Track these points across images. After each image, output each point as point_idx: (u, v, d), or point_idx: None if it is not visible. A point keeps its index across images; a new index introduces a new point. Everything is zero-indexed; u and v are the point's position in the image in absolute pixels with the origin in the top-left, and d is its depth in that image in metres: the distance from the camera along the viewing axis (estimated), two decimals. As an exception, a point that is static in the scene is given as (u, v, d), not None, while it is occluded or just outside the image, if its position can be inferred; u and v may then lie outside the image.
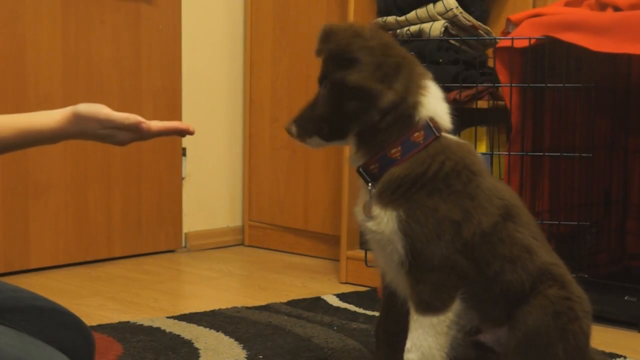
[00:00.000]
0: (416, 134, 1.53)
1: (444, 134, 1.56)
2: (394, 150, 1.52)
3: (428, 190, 1.50)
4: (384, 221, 1.51)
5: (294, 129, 1.59)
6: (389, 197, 1.52)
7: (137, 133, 1.46)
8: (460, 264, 1.51)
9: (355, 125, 1.54)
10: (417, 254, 1.49)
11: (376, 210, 1.53)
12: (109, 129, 1.44)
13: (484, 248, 1.52)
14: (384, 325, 1.74)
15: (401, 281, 1.58)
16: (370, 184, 1.56)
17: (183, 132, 1.52)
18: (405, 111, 1.52)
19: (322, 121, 1.57)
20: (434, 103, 1.57)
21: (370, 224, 1.55)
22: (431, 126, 1.54)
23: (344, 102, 1.52)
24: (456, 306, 1.52)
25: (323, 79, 1.57)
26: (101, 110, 1.44)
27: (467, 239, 1.50)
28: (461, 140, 1.61)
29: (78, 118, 1.43)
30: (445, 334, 1.52)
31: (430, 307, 1.51)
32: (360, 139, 1.56)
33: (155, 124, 1.48)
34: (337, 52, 1.52)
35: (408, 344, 1.54)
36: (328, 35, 1.55)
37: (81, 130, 1.44)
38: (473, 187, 1.52)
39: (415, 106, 1.53)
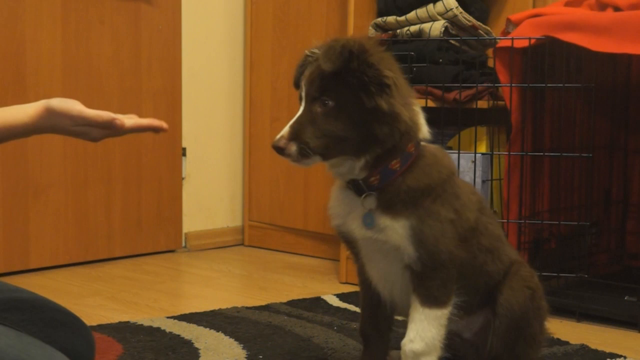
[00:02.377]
0: (408, 145, 1.58)
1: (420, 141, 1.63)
2: (394, 162, 1.56)
3: (432, 198, 1.57)
4: (397, 231, 1.56)
5: (293, 150, 1.50)
6: (398, 207, 1.56)
7: (110, 130, 1.44)
8: (460, 258, 1.60)
9: (379, 147, 1.54)
10: (429, 255, 1.56)
11: (385, 221, 1.56)
12: (81, 126, 1.42)
13: (472, 242, 1.64)
14: (371, 322, 1.78)
15: (398, 283, 1.65)
16: (364, 195, 1.58)
17: (157, 129, 1.49)
18: (412, 131, 1.56)
19: (335, 142, 1.51)
20: (422, 118, 1.62)
21: (376, 235, 1.58)
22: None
23: (374, 127, 1.51)
24: (453, 299, 1.62)
25: (321, 94, 1.51)
26: (74, 106, 1.41)
27: (460, 235, 1.61)
28: (431, 144, 1.68)
29: (51, 113, 1.40)
30: (445, 325, 1.62)
31: (437, 301, 1.59)
32: (375, 158, 1.56)
33: (129, 121, 1.46)
34: (369, 75, 1.48)
35: (411, 335, 1.60)
36: (347, 53, 1.47)
37: (53, 125, 1.42)
38: (456, 187, 1.63)
39: (417, 126, 1.58)
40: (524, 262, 1.78)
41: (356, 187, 1.59)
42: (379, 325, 1.77)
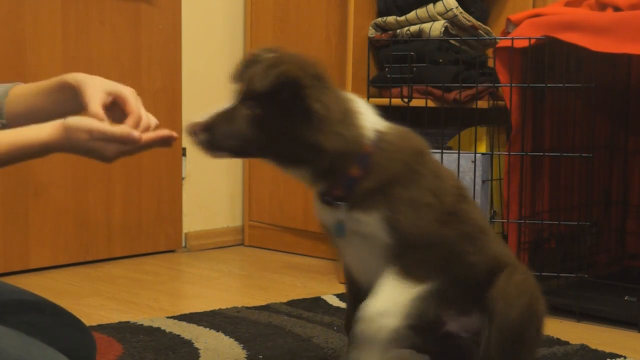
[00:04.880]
0: (364, 147, 1.54)
1: (381, 129, 1.58)
2: (353, 170, 1.53)
3: (402, 184, 1.55)
4: (369, 223, 1.55)
5: (201, 139, 1.50)
6: (368, 202, 1.54)
7: (128, 144, 1.43)
8: (443, 236, 1.57)
9: (306, 166, 1.53)
10: (405, 240, 1.54)
11: (358, 215, 1.55)
12: (98, 141, 1.41)
13: (450, 227, 1.59)
14: (355, 319, 1.72)
15: (377, 273, 1.60)
16: (337, 206, 1.56)
17: (168, 142, 1.48)
18: (353, 146, 1.53)
19: (250, 146, 1.52)
20: (371, 119, 1.57)
21: (351, 224, 1.56)
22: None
23: (296, 150, 1.50)
24: (428, 285, 1.58)
25: (252, 99, 1.50)
26: (91, 121, 1.42)
27: (438, 218, 1.57)
28: (398, 127, 1.62)
29: (68, 129, 1.41)
30: (411, 303, 1.57)
31: (410, 275, 1.56)
32: (313, 175, 1.54)
33: (146, 135, 1.45)
34: (295, 108, 1.47)
35: (373, 300, 1.56)
36: (279, 84, 1.46)
37: (70, 141, 1.41)
38: (432, 168, 1.60)
39: (360, 137, 1.53)
40: (518, 264, 1.72)
41: (326, 203, 1.58)
42: None
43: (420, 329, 1.71)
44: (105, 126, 1.41)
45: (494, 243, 1.68)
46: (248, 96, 1.51)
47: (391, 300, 1.56)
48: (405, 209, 1.54)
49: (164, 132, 1.48)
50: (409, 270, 1.56)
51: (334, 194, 1.56)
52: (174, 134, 1.48)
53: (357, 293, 1.72)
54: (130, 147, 1.43)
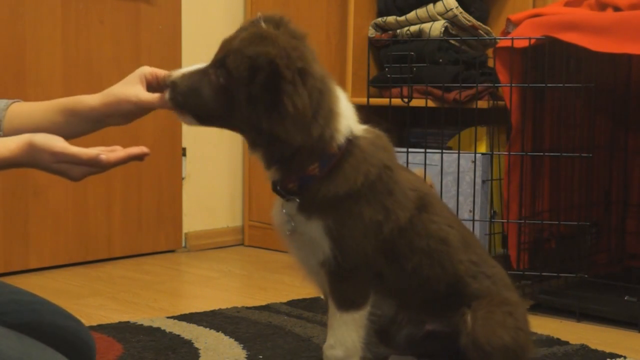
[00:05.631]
0: (330, 149, 1.47)
1: (355, 131, 1.51)
2: (311, 167, 1.47)
3: (355, 199, 1.49)
4: (310, 229, 1.51)
5: (170, 96, 1.45)
6: (313, 209, 1.50)
7: (95, 167, 1.38)
8: (378, 261, 1.54)
9: (263, 151, 1.48)
10: (344, 255, 1.51)
11: (300, 219, 1.52)
12: (63, 164, 1.36)
13: (402, 242, 1.55)
14: None
15: (320, 278, 1.60)
16: (285, 200, 1.53)
17: (140, 157, 1.42)
18: (321, 145, 1.45)
19: (211, 115, 1.45)
20: (348, 122, 1.49)
21: (297, 226, 1.53)
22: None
23: (254, 133, 1.44)
24: (371, 299, 1.57)
25: (221, 66, 1.40)
26: (57, 142, 1.36)
27: (386, 235, 1.53)
28: (371, 131, 1.55)
29: (32, 148, 1.35)
30: (365, 326, 1.57)
31: (353, 304, 1.55)
32: (270, 161, 1.50)
33: (114, 155, 1.39)
34: (265, 99, 1.37)
35: (331, 340, 1.57)
36: (253, 70, 1.36)
37: (34, 160, 1.36)
38: (392, 183, 1.53)
39: (330, 139, 1.46)
40: (481, 290, 1.60)
41: (277, 193, 1.55)
42: None
43: (405, 336, 1.70)
44: (71, 149, 1.36)
45: (458, 253, 1.60)
46: (219, 62, 1.42)
47: (348, 340, 1.56)
48: (352, 223, 1.49)
49: (134, 149, 1.41)
50: (351, 298, 1.55)
51: (288, 186, 1.51)
52: (145, 149, 1.42)
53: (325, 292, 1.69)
54: (98, 168, 1.39)
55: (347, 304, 1.55)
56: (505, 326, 1.56)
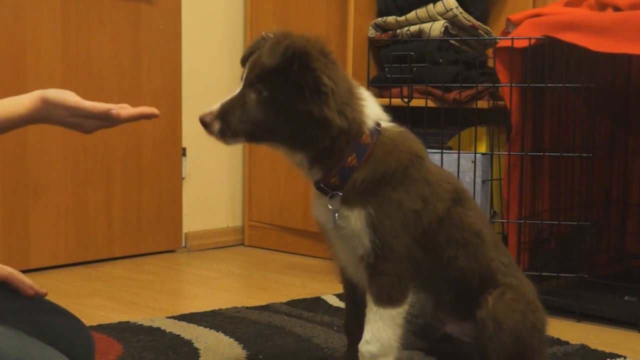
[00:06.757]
0: (364, 137, 1.55)
1: (382, 124, 1.59)
2: (349, 159, 1.54)
3: (392, 186, 1.54)
4: (352, 220, 1.54)
5: (216, 128, 1.53)
6: (354, 198, 1.54)
7: (106, 121, 1.45)
8: (417, 254, 1.56)
9: (312, 146, 1.53)
10: (385, 247, 1.53)
11: (344, 211, 1.55)
12: (77, 117, 1.43)
13: (440, 233, 1.58)
14: (353, 319, 1.75)
15: (361, 274, 1.62)
16: (329, 195, 1.57)
17: (150, 116, 1.51)
18: (354, 130, 1.54)
19: (261, 130, 1.53)
20: (373, 109, 1.59)
21: (339, 221, 1.56)
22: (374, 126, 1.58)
23: (304, 128, 1.50)
24: (411, 297, 1.58)
25: (258, 82, 1.51)
26: (71, 97, 1.42)
27: (425, 226, 1.56)
28: (398, 126, 1.63)
29: (46, 104, 1.41)
30: (402, 325, 1.58)
31: (391, 299, 1.56)
32: (313, 158, 1.56)
33: (125, 111, 1.47)
34: (306, 80, 1.47)
35: (367, 336, 1.58)
36: (289, 55, 1.46)
37: (48, 116, 1.42)
38: (425, 172, 1.58)
39: (362, 123, 1.55)
40: (512, 283, 1.63)
41: (321, 191, 1.58)
42: (362, 322, 1.70)
43: (419, 330, 1.71)
44: (84, 103, 1.42)
45: (491, 250, 1.64)
46: (255, 78, 1.51)
47: (384, 337, 1.56)
48: (392, 212, 1.53)
49: (145, 108, 1.49)
50: (389, 293, 1.55)
51: (330, 182, 1.56)
52: (156, 111, 1.50)
53: (353, 292, 1.72)
54: (109, 122, 1.45)
55: (385, 299, 1.56)
56: (525, 317, 1.59)
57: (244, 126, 1.52)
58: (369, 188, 1.53)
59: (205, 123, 1.53)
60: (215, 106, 1.54)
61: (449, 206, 1.59)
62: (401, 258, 1.54)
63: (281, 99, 1.50)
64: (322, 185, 1.57)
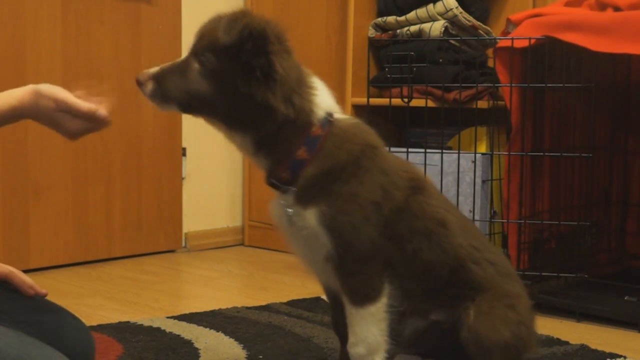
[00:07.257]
0: (314, 129, 1.49)
1: (335, 116, 1.53)
2: (299, 152, 1.48)
3: (344, 179, 1.48)
4: (307, 219, 1.49)
5: (149, 88, 1.48)
6: (306, 195, 1.49)
7: (92, 122, 1.46)
8: (385, 247, 1.51)
9: (253, 130, 1.48)
10: (346, 246, 1.48)
11: (297, 209, 1.51)
12: (63, 112, 1.44)
13: (400, 225, 1.52)
14: (340, 319, 1.68)
15: (329, 276, 1.57)
16: (282, 191, 1.52)
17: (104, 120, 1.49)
18: (302, 119, 1.48)
19: (197, 102, 1.47)
20: (325, 99, 1.53)
21: (295, 219, 1.51)
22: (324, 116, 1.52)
23: (245, 109, 1.45)
24: (387, 289, 1.53)
25: (204, 53, 1.46)
26: (60, 91, 1.45)
27: (386, 217, 1.50)
28: (352, 118, 1.59)
29: (37, 95, 1.43)
30: (384, 319, 1.54)
31: (367, 297, 1.52)
32: (257, 143, 1.50)
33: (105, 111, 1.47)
34: (258, 63, 1.42)
35: (352, 339, 1.55)
36: (246, 34, 1.42)
37: (37, 107, 1.43)
38: (380, 162, 1.52)
39: (310, 112, 1.49)
40: (485, 277, 1.58)
41: (272, 186, 1.54)
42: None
43: (408, 324, 1.69)
44: (72, 99, 1.43)
45: (458, 237, 1.57)
46: (202, 49, 1.47)
47: (369, 336, 1.53)
48: (348, 207, 1.47)
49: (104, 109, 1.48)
50: (363, 291, 1.51)
51: (280, 176, 1.51)
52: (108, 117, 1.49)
53: (333, 293, 1.67)
54: (94, 125, 1.46)
55: (361, 298, 1.51)
56: (507, 321, 1.54)
57: (178, 93, 1.47)
58: (319, 184, 1.48)
59: (139, 82, 1.48)
60: (155, 68, 1.49)
61: (407, 195, 1.53)
62: (367, 255, 1.49)
63: (224, 76, 1.44)
64: (273, 180, 1.53)
